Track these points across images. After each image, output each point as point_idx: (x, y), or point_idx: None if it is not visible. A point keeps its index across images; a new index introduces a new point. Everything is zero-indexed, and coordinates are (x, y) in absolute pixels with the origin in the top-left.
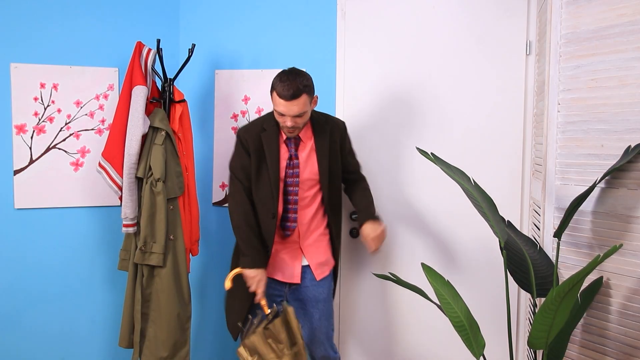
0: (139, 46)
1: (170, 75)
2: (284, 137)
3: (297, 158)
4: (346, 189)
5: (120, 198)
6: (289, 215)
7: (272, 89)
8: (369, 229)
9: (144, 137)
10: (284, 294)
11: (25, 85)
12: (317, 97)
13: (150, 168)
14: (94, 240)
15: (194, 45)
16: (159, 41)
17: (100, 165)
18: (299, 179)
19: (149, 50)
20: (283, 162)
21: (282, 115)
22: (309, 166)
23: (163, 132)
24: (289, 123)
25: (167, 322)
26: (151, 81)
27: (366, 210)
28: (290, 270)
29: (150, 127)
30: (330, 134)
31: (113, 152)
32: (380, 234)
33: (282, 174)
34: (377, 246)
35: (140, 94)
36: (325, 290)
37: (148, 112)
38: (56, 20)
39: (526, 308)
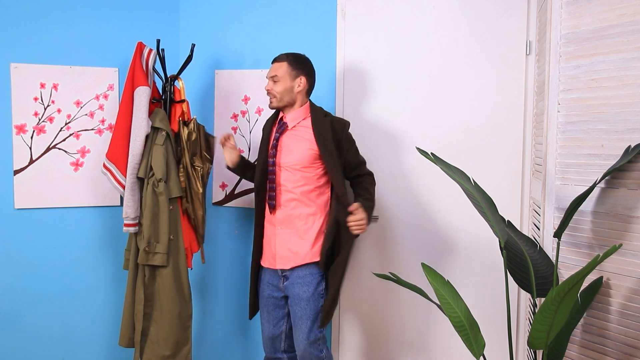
0: (140, 47)
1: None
2: (277, 123)
3: (277, 141)
4: (352, 187)
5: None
6: (271, 194)
7: None
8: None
9: (145, 138)
10: (280, 287)
11: (25, 85)
12: (304, 81)
13: (151, 168)
14: (94, 240)
15: (193, 45)
16: (158, 41)
17: (105, 166)
18: (276, 162)
19: (150, 50)
20: (270, 145)
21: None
22: (292, 153)
23: (164, 133)
24: (267, 86)
25: (168, 321)
26: (152, 81)
27: (361, 198)
28: (269, 255)
29: (151, 127)
30: (331, 127)
31: (117, 153)
32: (357, 219)
33: (268, 155)
34: (355, 230)
35: (143, 94)
36: (310, 289)
37: (149, 112)
38: (56, 20)
39: (526, 308)
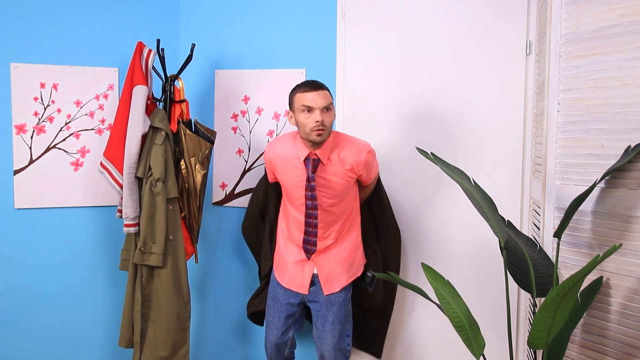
0: (140, 46)
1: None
2: (302, 157)
3: (313, 181)
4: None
5: (122, 198)
6: (310, 239)
7: (293, 93)
8: None
9: (144, 137)
10: (301, 299)
11: (25, 85)
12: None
13: (150, 168)
14: (94, 240)
15: (193, 45)
16: (158, 41)
17: (102, 165)
18: (317, 202)
19: (150, 50)
20: (301, 183)
21: (309, 110)
22: (331, 189)
23: (163, 132)
24: (318, 117)
25: (166, 321)
26: (151, 81)
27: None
28: (297, 280)
29: (150, 126)
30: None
31: (115, 152)
32: None
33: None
34: None
35: (140, 93)
36: (341, 294)
37: (148, 112)
38: (56, 20)
39: (526, 308)
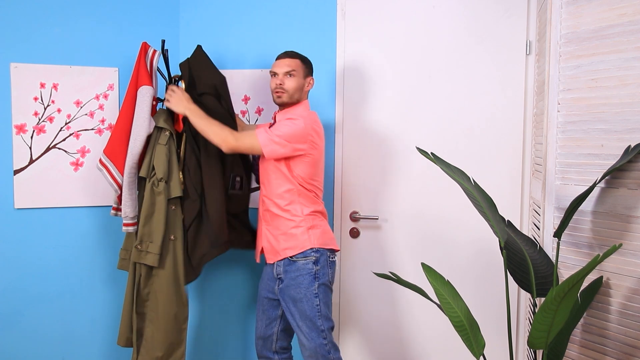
0: (145, 47)
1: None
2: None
3: None
4: None
5: (119, 197)
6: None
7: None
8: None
9: (148, 137)
10: (275, 291)
11: (25, 85)
12: (312, 82)
13: (153, 168)
14: (94, 240)
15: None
16: (163, 42)
17: (101, 162)
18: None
19: (155, 51)
20: None
21: (274, 75)
22: None
23: (167, 132)
24: (277, 81)
25: (164, 322)
26: (156, 82)
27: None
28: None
29: (154, 127)
30: None
31: (115, 150)
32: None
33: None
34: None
35: (146, 94)
36: (302, 290)
37: (152, 112)
38: (56, 20)
39: (526, 308)
